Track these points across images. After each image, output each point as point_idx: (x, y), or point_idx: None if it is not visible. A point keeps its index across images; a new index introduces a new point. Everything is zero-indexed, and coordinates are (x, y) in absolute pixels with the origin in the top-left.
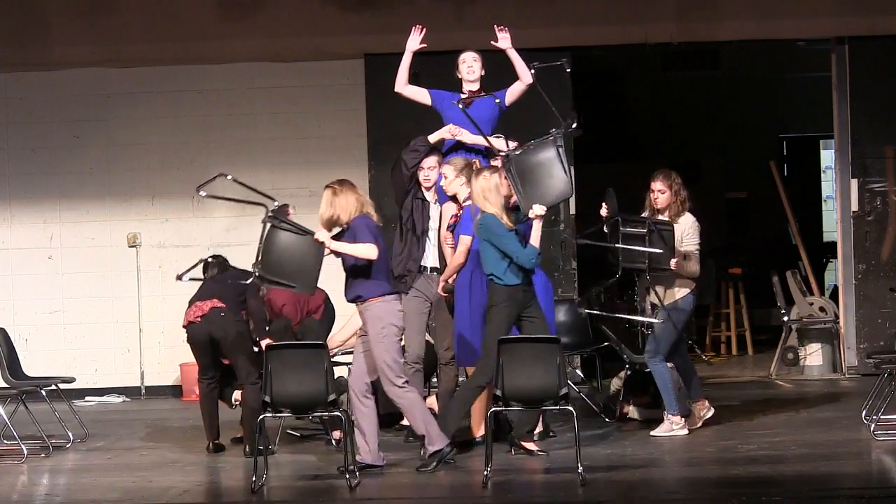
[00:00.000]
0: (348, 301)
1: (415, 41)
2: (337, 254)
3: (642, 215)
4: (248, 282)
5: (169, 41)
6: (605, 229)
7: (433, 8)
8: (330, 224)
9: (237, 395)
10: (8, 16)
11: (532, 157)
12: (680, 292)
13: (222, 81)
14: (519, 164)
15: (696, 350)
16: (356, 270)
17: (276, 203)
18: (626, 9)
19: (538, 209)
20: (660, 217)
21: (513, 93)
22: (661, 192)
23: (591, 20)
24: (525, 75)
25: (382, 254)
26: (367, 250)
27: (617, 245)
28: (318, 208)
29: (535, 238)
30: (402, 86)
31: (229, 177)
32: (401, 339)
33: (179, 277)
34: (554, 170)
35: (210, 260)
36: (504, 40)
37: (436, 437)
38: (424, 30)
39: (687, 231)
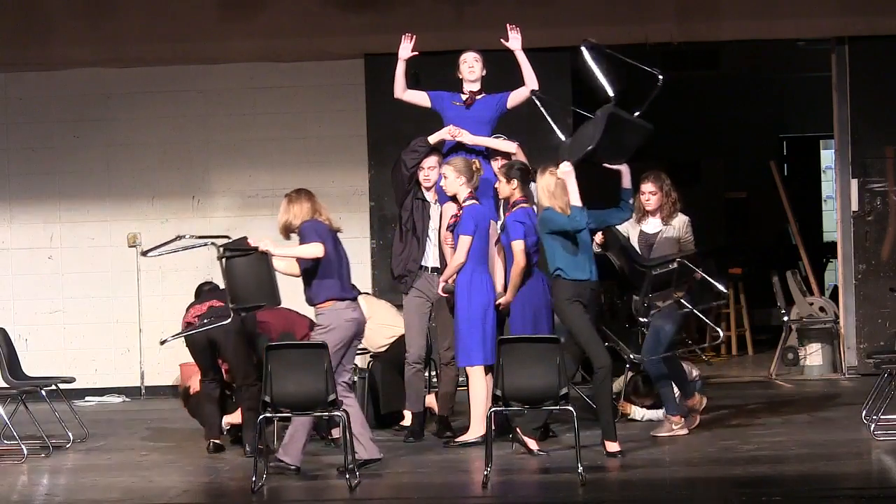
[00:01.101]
0: (307, 305)
1: (406, 49)
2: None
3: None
4: (228, 321)
5: (169, 41)
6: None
7: (433, 8)
8: (286, 230)
9: (227, 419)
10: (8, 16)
11: (584, 132)
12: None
13: (222, 81)
14: (572, 147)
15: (696, 350)
16: (307, 274)
17: (228, 240)
18: (626, 9)
19: (565, 167)
20: (651, 219)
21: (516, 97)
22: (652, 194)
23: (591, 20)
24: (531, 81)
25: (332, 257)
26: (310, 250)
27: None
28: None
29: (573, 197)
30: (401, 92)
31: (186, 236)
32: (348, 345)
33: (145, 254)
34: (589, 129)
35: (205, 287)
36: (515, 40)
37: (293, 453)
38: (415, 37)
39: (684, 229)
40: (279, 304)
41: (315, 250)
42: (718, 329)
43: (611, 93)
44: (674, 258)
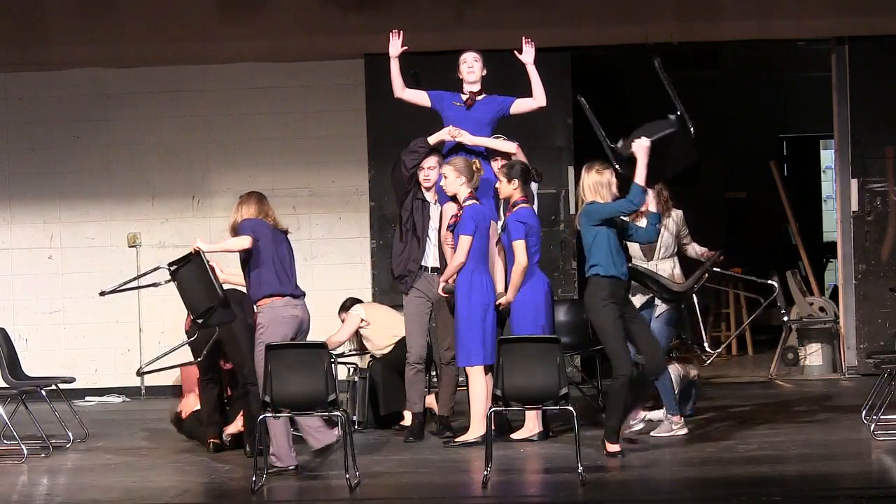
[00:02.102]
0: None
1: (395, 46)
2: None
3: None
4: (214, 339)
5: (169, 41)
6: None
7: (433, 8)
8: (233, 230)
9: (228, 430)
10: (8, 16)
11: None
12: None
13: (222, 81)
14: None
15: (696, 350)
16: (246, 272)
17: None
18: (626, 9)
19: (644, 142)
20: (645, 219)
21: (521, 106)
22: None
23: (591, 20)
24: (540, 97)
25: (271, 254)
26: (237, 242)
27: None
28: (318, 208)
29: (639, 175)
30: (400, 91)
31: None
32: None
33: (102, 293)
34: (662, 123)
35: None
36: (528, 54)
37: (282, 455)
38: (402, 33)
39: (681, 224)
40: (219, 300)
41: (241, 242)
42: (706, 346)
43: (679, 108)
44: (701, 277)
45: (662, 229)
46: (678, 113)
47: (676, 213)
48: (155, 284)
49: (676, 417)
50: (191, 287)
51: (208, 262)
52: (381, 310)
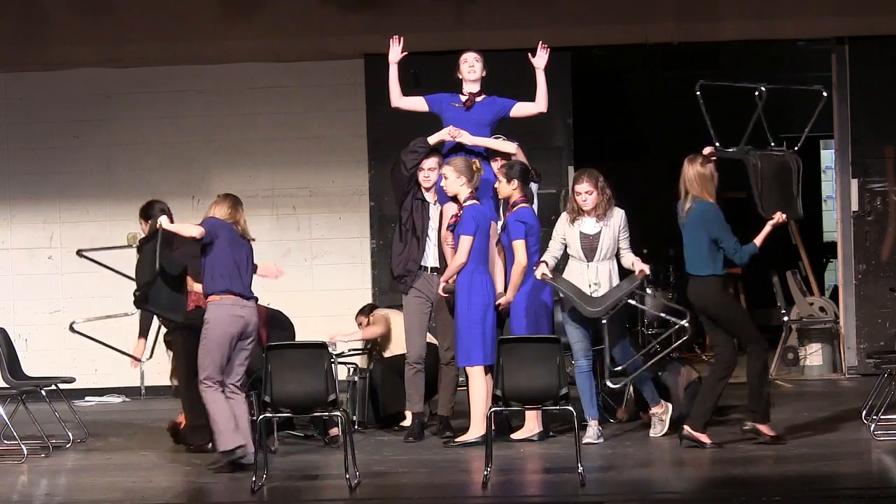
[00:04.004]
0: None
1: (395, 52)
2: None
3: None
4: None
5: (169, 41)
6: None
7: (433, 8)
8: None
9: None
10: (8, 16)
11: (774, 163)
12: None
13: (222, 81)
14: (762, 162)
15: (697, 350)
16: (202, 268)
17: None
18: (626, 9)
19: (780, 217)
20: (586, 218)
21: (521, 110)
22: (588, 194)
23: (591, 20)
24: (542, 103)
25: (225, 255)
26: (191, 229)
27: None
28: (318, 208)
29: (761, 238)
30: (397, 99)
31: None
32: (232, 342)
33: (79, 252)
34: (787, 187)
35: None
36: (541, 59)
37: (225, 440)
38: (402, 39)
39: (623, 225)
40: (152, 277)
41: (193, 231)
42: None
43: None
44: (620, 301)
45: (604, 228)
46: (787, 149)
47: (618, 213)
48: (129, 246)
49: (658, 407)
50: (143, 260)
51: (167, 242)
52: (401, 318)
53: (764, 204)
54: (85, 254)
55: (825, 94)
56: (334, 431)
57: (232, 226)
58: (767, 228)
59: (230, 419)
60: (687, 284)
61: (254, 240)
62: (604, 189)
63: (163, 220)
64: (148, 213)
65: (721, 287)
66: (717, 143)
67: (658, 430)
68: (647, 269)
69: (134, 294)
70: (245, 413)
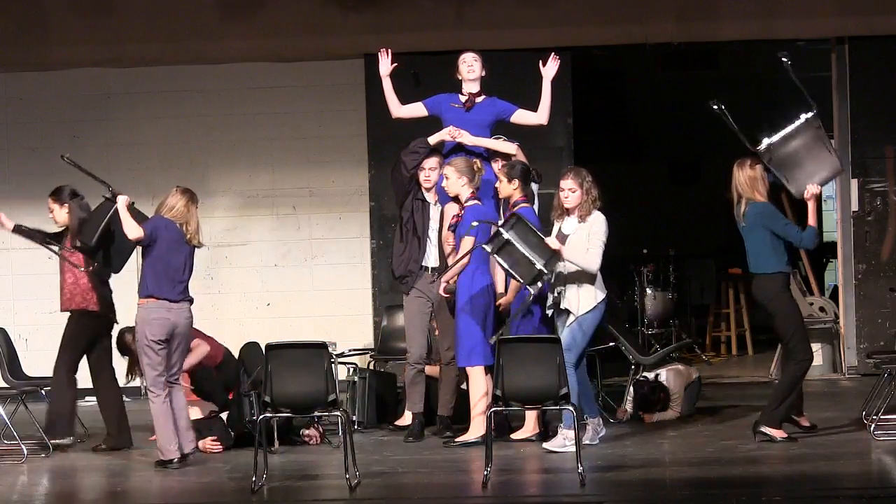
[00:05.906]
0: None
1: (385, 65)
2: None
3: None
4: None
5: (169, 41)
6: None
7: (433, 8)
8: (156, 212)
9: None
10: (8, 16)
11: (791, 143)
12: (588, 301)
13: (222, 81)
14: (778, 152)
15: (697, 350)
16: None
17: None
18: (626, 9)
19: (813, 188)
20: (568, 218)
21: (521, 118)
22: (571, 191)
23: (591, 20)
24: (543, 115)
25: (163, 259)
26: (133, 230)
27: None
28: (318, 208)
29: (811, 218)
30: (397, 110)
31: (66, 157)
32: (163, 344)
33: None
34: (817, 151)
35: None
36: (551, 69)
37: (164, 449)
38: (391, 51)
39: (594, 229)
40: (88, 239)
41: (134, 232)
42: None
43: (812, 106)
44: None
45: (579, 230)
46: (814, 111)
47: (594, 218)
48: (105, 184)
49: (595, 420)
50: (94, 217)
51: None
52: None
53: (795, 186)
54: (67, 157)
55: (785, 59)
56: (310, 433)
57: (179, 226)
58: (810, 206)
59: (172, 433)
60: (751, 284)
61: (201, 245)
62: (589, 190)
63: (121, 200)
64: (59, 196)
65: (784, 284)
66: (757, 148)
67: (557, 442)
68: (562, 249)
69: (82, 243)
70: (184, 406)
